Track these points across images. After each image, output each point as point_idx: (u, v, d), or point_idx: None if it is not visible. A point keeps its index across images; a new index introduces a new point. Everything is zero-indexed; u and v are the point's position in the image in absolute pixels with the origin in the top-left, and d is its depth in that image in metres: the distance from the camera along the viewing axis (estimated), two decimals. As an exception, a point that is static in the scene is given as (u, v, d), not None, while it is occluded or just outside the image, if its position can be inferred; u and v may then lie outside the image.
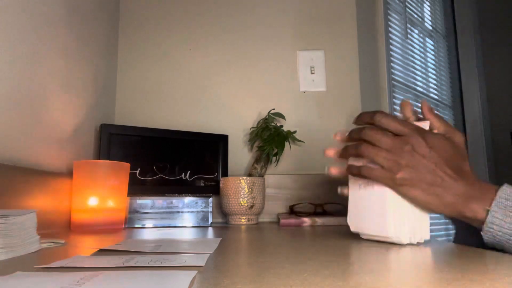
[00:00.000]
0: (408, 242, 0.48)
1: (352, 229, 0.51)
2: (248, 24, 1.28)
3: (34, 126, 0.78)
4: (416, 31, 1.95)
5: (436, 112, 0.51)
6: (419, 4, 2.00)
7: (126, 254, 0.44)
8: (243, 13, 1.29)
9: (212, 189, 1.12)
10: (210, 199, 0.99)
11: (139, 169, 1.04)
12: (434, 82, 2.07)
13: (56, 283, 0.28)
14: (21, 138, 0.74)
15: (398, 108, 1.61)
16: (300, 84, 1.25)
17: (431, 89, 2.02)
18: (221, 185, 1.06)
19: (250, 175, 1.11)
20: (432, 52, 2.09)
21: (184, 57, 1.27)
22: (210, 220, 0.98)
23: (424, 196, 0.47)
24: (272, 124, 1.14)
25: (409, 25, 1.82)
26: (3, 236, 0.41)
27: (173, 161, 1.10)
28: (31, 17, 0.78)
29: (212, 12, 1.29)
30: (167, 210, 0.95)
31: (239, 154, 1.21)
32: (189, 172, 1.11)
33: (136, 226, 0.92)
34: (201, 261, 0.38)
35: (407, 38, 1.78)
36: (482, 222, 0.45)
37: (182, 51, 1.27)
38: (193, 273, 0.31)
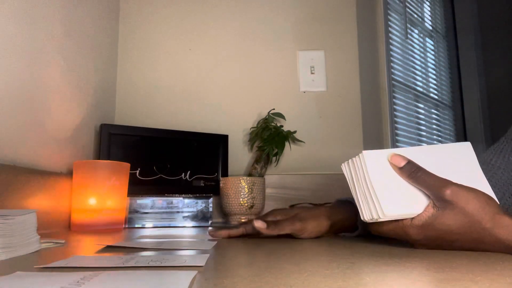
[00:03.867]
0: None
1: (368, 218, 0.47)
2: (248, 24, 1.28)
3: (34, 126, 0.78)
4: (416, 31, 1.95)
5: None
6: (419, 4, 2.00)
7: (126, 254, 0.44)
8: (243, 13, 1.29)
9: (212, 189, 1.12)
10: (210, 199, 0.99)
11: (139, 169, 1.04)
12: (434, 82, 2.07)
13: (56, 283, 0.28)
14: (21, 138, 0.74)
15: (398, 108, 1.62)
16: (300, 84, 1.25)
17: (431, 89, 2.02)
18: (221, 185, 1.06)
19: (250, 175, 1.11)
20: (432, 52, 2.09)
21: (184, 57, 1.27)
22: (210, 220, 0.98)
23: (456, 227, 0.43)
24: (272, 124, 1.14)
25: (409, 25, 1.82)
26: (3, 236, 0.41)
27: (173, 161, 1.10)
28: (30, 17, 0.78)
29: (212, 12, 1.29)
30: (167, 210, 0.95)
31: (239, 154, 1.21)
32: (189, 172, 1.11)
33: (136, 226, 0.92)
34: (201, 261, 0.38)
35: (407, 38, 1.78)
36: None
37: (182, 51, 1.27)
38: (193, 273, 0.31)
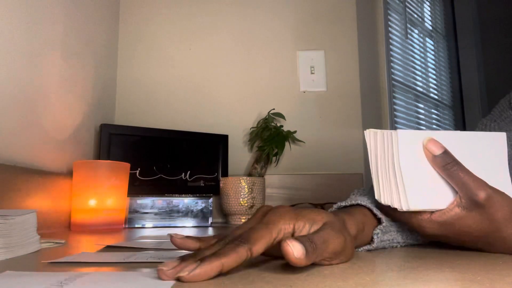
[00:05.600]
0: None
1: (385, 202, 0.43)
2: (248, 24, 1.28)
3: (34, 126, 0.78)
4: (416, 31, 1.95)
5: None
6: (419, 4, 2.00)
7: (128, 251, 0.44)
8: (243, 13, 1.29)
9: (212, 189, 1.12)
10: (210, 199, 0.99)
11: (139, 169, 1.04)
12: (434, 82, 2.07)
13: (40, 284, 0.28)
14: (21, 138, 0.74)
15: (398, 108, 1.62)
16: (300, 84, 1.25)
17: (431, 89, 2.02)
18: (221, 185, 1.06)
19: (250, 175, 1.11)
20: (432, 52, 2.09)
21: (184, 57, 1.27)
22: (210, 220, 0.98)
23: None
24: (272, 124, 1.14)
25: (409, 25, 1.82)
26: (3, 236, 0.41)
27: (173, 161, 1.10)
28: (31, 17, 0.78)
29: (212, 12, 1.29)
30: (167, 210, 0.95)
31: (239, 154, 1.21)
32: (189, 172, 1.11)
33: (136, 226, 0.92)
34: None
35: (407, 38, 1.78)
36: None
37: (182, 51, 1.27)
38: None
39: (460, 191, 0.40)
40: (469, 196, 0.40)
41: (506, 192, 0.41)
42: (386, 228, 0.47)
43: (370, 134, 0.45)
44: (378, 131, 0.44)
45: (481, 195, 0.39)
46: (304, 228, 0.37)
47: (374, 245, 0.46)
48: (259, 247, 0.32)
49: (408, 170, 0.41)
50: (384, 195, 0.43)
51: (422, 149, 0.42)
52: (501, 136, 0.44)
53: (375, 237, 0.46)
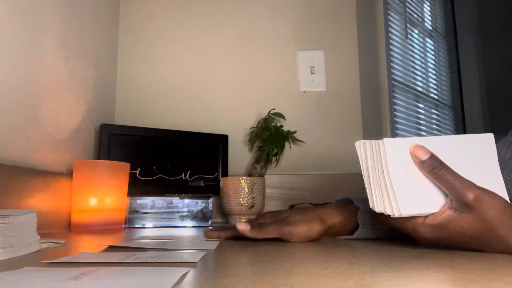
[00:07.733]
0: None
1: (379, 210, 0.45)
2: (248, 24, 1.28)
3: (34, 126, 0.78)
4: (416, 31, 1.95)
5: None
6: (419, 4, 2.00)
7: (129, 251, 0.44)
8: (243, 13, 1.29)
9: (212, 189, 1.12)
10: (210, 199, 0.99)
11: (139, 169, 1.04)
12: (434, 82, 2.07)
13: (56, 278, 0.29)
14: (21, 138, 0.74)
15: (398, 108, 1.62)
16: (300, 84, 1.25)
17: (431, 89, 2.02)
18: (221, 185, 1.06)
19: (250, 175, 1.11)
20: (432, 52, 2.09)
21: (184, 57, 1.26)
22: (210, 220, 0.98)
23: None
24: (272, 124, 1.14)
25: (409, 25, 1.82)
26: (3, 236, 0.41)
27: (173, 161, 1.10)
28: (30, 16, 0.78)
29: (212, 12, 1.29)
30: (167, 210, 0.95)
31: (239, 154, 1.21)
32: (189, 172, 1.11)
33: (136, 226, 0.92)
34: (196, 257, 0.39)
35: (407, 38, 1.78)
36: None
37: (182, 51, 1.27)
38: (185, 269, 0.32)
39: (450, 193, 0.41)
40: (458, 198, 0.41)
41: (498, 192, 0.41)
42: (367, 215, 0.57)
43: (360, 145, 0.47)
44: (367, 141, 0.46)
45: (469, 196, 0.40)
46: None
47: (356, 235, 0.57)
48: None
49: (397, 177, 0.43)
50: (377, 203, 0.45)
51: (410, 156, 0.43)
52: (489, 137, 0.45)
53: (359, 222, 0.57)
